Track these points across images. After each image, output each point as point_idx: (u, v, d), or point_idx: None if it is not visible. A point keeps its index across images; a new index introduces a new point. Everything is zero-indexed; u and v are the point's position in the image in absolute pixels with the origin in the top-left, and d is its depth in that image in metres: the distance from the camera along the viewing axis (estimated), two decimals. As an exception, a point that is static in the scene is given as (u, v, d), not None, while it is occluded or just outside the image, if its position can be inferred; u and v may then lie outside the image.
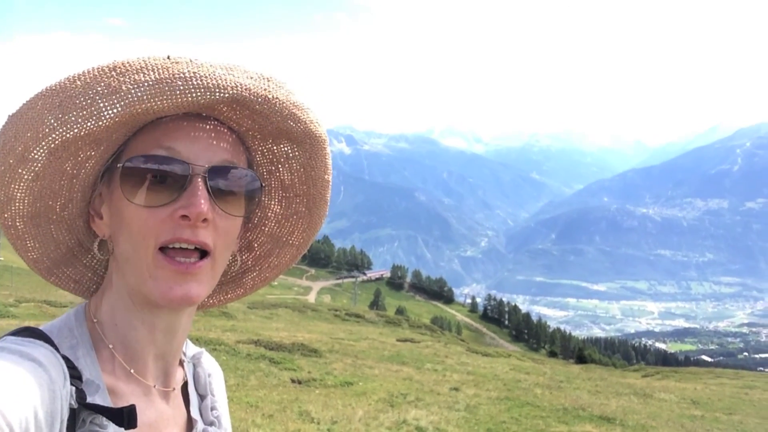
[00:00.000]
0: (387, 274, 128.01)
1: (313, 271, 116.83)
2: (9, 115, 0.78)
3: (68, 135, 0.76)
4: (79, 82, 0.75)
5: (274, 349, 16.10)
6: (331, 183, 1.01)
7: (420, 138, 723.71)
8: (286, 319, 33.22)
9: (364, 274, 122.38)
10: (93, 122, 0.75)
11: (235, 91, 0.79)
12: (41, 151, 0.77)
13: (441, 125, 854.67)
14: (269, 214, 1.03)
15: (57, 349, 0.78)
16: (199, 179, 0.81)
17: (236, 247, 0.98)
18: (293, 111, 0.87)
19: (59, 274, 0.98)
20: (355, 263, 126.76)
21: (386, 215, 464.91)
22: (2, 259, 47.65)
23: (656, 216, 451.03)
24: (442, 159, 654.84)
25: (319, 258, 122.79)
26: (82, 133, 0.76)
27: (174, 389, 0.97)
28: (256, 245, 1.06)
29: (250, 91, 0.81)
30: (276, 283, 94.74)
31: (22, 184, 0.80)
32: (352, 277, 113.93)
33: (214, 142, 0.85)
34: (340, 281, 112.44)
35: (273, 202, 1.02)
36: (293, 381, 12.42)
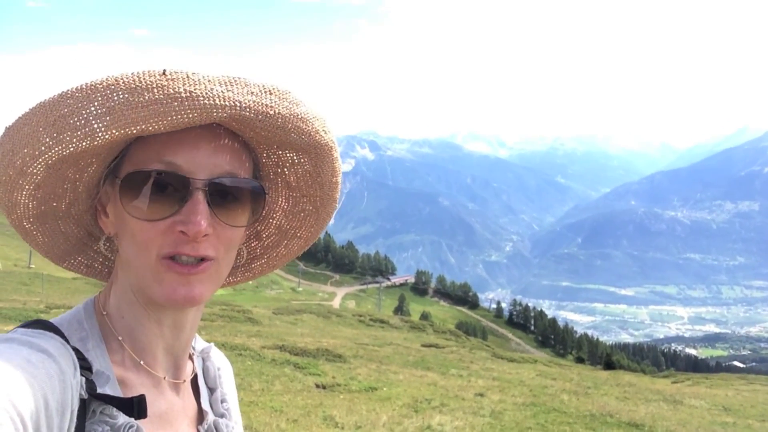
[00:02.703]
0: (411, 279, 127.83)
1: (337, 276, 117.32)
2: (6, 128, 0.78)
3: (65, 153, 0.75)
4: (71, 101, 0.74)
5: (299, 354, 16.18)
6: (340, 184, 1.00)
7: (443, 143, 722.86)
8: (310, 325, 33.30)
9: (389, 279, 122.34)
10: (88, 142, 0.74)
11: (233, 111, 0.77)
12: (39, 166, 0.77)
13: (464, 130, 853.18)
14: (276, 208, 1.03)
15: (67, 340, 0.79)
16: (200, 193, 0.81)
17: (243, 240, 0.98)
18: (297, 124, 0.85)
19: (71, 261, 0.99)
20: (380, 269, 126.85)
21: (410, 220, 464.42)
22: (33, 266, 48.65)
23: (685, 219, 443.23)
24: (466, 164, 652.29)
25: (344, 264, 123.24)
26: (78, 151, 0.75)
27: (184, 381, 0.97)
28: (264, 236, 1.06)
29: (249, 108, 0.78)
30: (301, 289, 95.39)
31: (24, 192, 0.81)
32: (377, 282, 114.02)
33: (216, 153, 0.83)
34: (364, 287, 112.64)
35: (280, 198, 1.01)
36: (318, 386, 12.45)
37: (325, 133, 0.90)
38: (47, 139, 0.74)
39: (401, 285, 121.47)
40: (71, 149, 0.75)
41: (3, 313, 18.82)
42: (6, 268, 41.60)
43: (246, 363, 13.64)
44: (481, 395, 13.40)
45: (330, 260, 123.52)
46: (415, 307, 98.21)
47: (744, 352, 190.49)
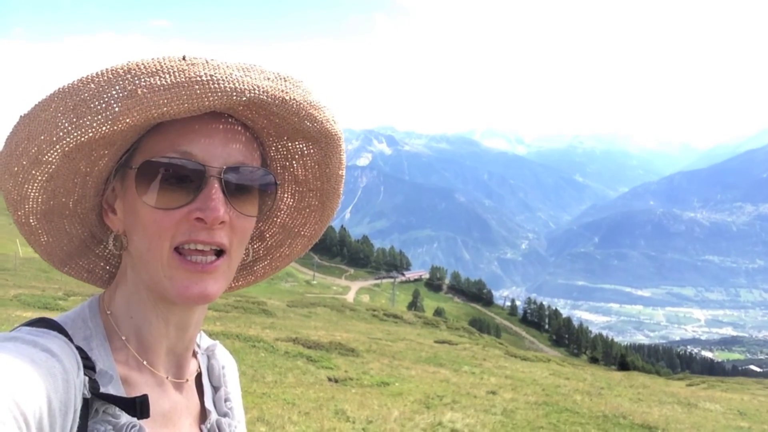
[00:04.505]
0: (426, 275, 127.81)
1: (352, 270, 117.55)
2: (21, 116, 0.78)
3: (83, 138, 0.75)
4: (92, 85, 0.74)
5: (312, 347, 16.24)
6: (344, 178, 1.01)
7: (461, 139, 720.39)
8: (324, 318, 33.46)
9: (403, 274, 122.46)
10: (108, 126, 0.74)
11: (252, 94, 0.79)
12: (55, 154, 0.76)
13: (482, 126, 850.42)
14: (282, 206, 1.03)
15: (71, 339, 0.79)
16: (215, 181, 0.81)
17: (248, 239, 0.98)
18: (310, 111, 0.86)
19: (72, 265, 0.99)
20: (394, 264, 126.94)
21: (426, 216, 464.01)
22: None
23: (704, 220, 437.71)
24: (483, 160, 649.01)
25: (359, 258, 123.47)
26: (97, 137, 0.75)
27: (187, 380, 0.97)
28: (267, 235, 1.06)
29: (267, 93, 0.80)
30: (315, 282, 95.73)
31: (35, 184, 0.80)
32: (391, 277, 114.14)
33: (229, 142, 0.84)
34: (378, 281, 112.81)
35: (286, 195, 1.02)
36: (330, 379, 12.51)
37: (335, 122, 0.91)
38: (66, 124, 0.74)
39: (416, 280, 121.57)
40: (90, 134, 0.75)
41: (22, 299, 19.12)
42: (26, 254, 42.17)
43: (259, 355, 13.74)
44: (494, 393, 13.38)
45: (345, 254, 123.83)
46: (429, 303, 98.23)
47: (761, 356, 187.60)
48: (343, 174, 1.00)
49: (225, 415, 1.01)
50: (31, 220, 0.86)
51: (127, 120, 0.74)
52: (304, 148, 0.95)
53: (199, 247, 0.82)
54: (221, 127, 0.84)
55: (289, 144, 0.94)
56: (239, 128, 0.86)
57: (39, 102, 0.76)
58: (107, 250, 0.97)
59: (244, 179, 0.85)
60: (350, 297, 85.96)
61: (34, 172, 0.78)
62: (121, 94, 0.73)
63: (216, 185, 0.81)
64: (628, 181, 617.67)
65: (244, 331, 17.31)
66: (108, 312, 0.89)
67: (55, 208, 0.86)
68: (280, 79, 0.82)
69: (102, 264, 1.01)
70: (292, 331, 20.34)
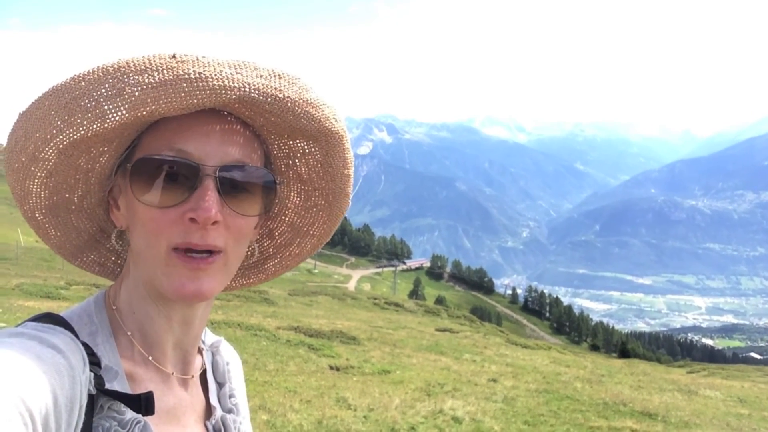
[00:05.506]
0: (427, 263, 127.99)
1: (353, 259, 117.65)
2: (19, 113, 0.78)
3: (75, 136, 0.75)
4: (83, 83, 0.74)
5: (314, 335, 16.29)
6: (352, 177, 0.98)
7: (461, 127, 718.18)
8: (325, 307, 33.52)
9: (404, 263, 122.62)
10: (98, 124, 0.74)
11: (242, 92, 0.77)
12: (51, 151, 0.77)
13: (482, 114, 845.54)
14: (289, 204, 1.01)
15: (77, 335, 0.79)
16: (210, 180, 0.80)
17: (255, 237, 0.98)
18: (306, 109, 0.84)
19: (83, 258, 0.99)
20: (395, 252, 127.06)
21: (426, 204, 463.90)
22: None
23: (705, 208, 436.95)
24: (484, 148, 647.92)
25: (360, 246, 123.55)
26: (89, 135, 0.75)
27: (192, 377, 0.97)
28: (276, 234, 1.05)
29: (259, 91, 0.78)
30: (317, 271, 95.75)
31: (36, 180, 0.81)
32: (392, 266, 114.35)
33: (226, 140, 0.83)
34: (379, 270, 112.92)
35: (292, 194, 1.00)
36: (331, 368, 12.54)
37: (336, 120, 0.89)
38: (58, 122, 0.75)
39: (417, 269, 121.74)
40: (82, 132, 0.75)
41: (24, 288, 19.15)
42: (27, 244, 42.21)
43: (261, 343, 13.78)
44: (495, 381, 13.41)
45: (346, 243, 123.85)
46: (430, 291, 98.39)
47: (762, 344, 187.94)
48: (350, 173, 0.97)
49: (230, 411, 1.01)
50: (37, 215, 0.87)
51: (116, 118, 0.74)
52: (305, 147, 0.93)
53: (193, 254, 0.81)
54: (218, 125, 0.83)
55: (291, 142, 0.92)
56: (238, 127, 0.85)
57: (35, 100, 0.77)
58: (117, 245, 0.97)
59: (241, 177, 0.84)
60: (351, 285, 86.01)
61: (33, 168, 0.79)
62: (109, 92, 0.73)
63: (210, 184, 0.80)
64: (629, 168, 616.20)
65: (246, 319, 17.35)
66: (114, 307, 0.89)
67: (60, 203, 0.87)
68: (274, 76, 0.80)
69: (113, 258, 1.01)
70: (293, 319, 20.39)
